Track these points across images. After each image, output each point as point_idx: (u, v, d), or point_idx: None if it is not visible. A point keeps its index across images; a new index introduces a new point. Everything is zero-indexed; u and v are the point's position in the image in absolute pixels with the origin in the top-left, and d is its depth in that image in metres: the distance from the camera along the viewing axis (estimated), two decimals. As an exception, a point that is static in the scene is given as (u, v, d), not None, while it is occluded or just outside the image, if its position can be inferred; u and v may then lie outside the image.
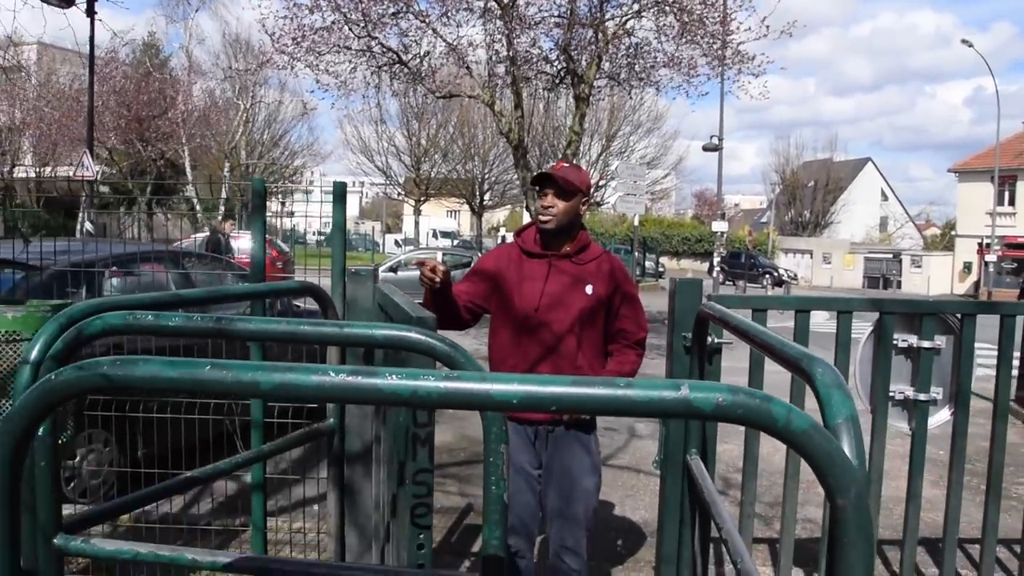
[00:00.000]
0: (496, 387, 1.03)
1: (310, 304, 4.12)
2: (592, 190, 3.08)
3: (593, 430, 3.20)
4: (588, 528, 3.17)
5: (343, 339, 1.71)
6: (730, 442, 5.40)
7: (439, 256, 22.17)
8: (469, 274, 3.26)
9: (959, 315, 3.10)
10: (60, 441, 2.12)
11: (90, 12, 11.62)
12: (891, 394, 3.09)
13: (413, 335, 1.54)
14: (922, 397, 3.09)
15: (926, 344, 3.08)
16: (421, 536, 1.83)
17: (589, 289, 3.08)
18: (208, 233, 13.47)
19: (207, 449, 4.03)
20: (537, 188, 3.14)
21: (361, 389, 1.05)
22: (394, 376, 1.04)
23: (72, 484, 4.57)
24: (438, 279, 2.81)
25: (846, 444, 1.10)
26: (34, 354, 1.74)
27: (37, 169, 27.80)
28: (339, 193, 3.11)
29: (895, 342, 3.08)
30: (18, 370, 1.76)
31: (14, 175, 26.94)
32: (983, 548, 3.16)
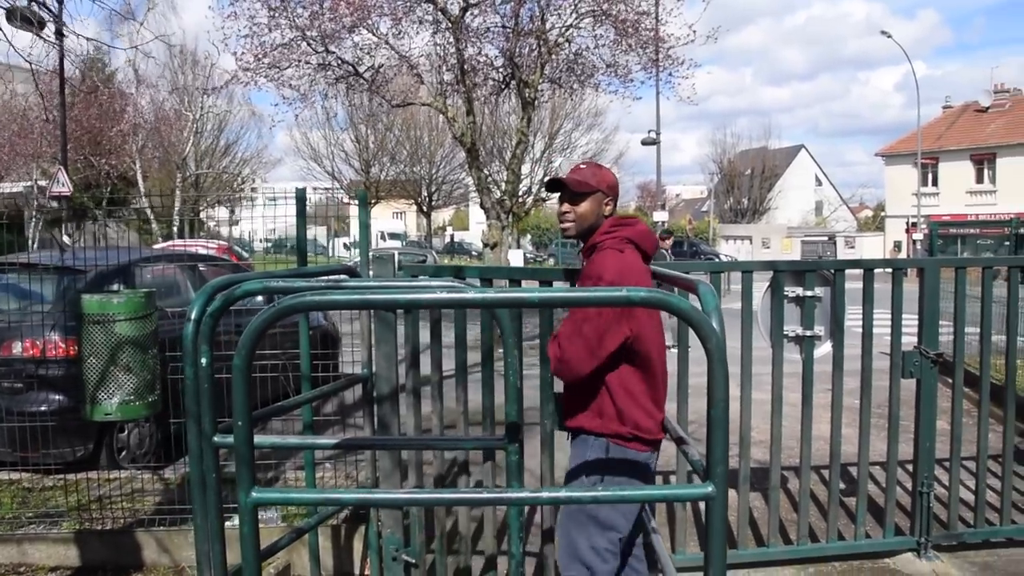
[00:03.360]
0: (527, 295, 1.95)
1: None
2: (615, 188, 2.88)
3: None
4: None
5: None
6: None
7: (396, 256, 22.90)
8: None
9: (833, 271, 4.11)
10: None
11: (59, 35, 12.15)
12: (785, 332, 4.09)
13: (455, 282, 2.47)
14: (808, 334, 4.10)
15: (809, 293, 4.08)
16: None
17: None
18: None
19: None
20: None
21: (452, 300, 1.95)
22: (475, 292, 1.95)
23: (123, 453, 5.37)
24: None
25: (714, 319, 2.04)
26: (194, 313, 2.61)
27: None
28: (300, 199, 3.82)
29: (786, 293, 4.08)
30: (184, 326, 2.63)
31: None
32: (860, 434, 4.18)
